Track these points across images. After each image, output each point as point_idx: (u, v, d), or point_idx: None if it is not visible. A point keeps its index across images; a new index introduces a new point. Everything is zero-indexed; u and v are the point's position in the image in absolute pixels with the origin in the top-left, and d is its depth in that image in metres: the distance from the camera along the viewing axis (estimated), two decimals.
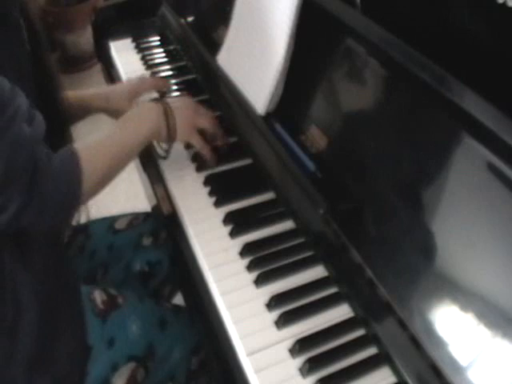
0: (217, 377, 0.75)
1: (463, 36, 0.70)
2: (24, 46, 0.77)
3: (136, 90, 1.05)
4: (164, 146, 0.90)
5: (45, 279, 0.78)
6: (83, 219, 0.96)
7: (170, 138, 0.87)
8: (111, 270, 1.05)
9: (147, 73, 1.23)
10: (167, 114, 0.85)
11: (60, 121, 0.83)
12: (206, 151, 0.92)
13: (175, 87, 1.17)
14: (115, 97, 1.02)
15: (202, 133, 0.92)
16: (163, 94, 1.12)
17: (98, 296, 0.87)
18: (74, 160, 0.71)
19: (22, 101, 0.67)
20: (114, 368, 0.82)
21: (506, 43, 0.64)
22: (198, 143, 0.91)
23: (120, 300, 0.88)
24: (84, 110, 1.01)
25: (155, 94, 1.12)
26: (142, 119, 0.84)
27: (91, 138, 0.78)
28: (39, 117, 0.70)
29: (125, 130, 0.82)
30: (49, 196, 0.68)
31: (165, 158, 0.92)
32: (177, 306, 0.97)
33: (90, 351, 0.81)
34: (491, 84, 0.61)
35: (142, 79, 1.10)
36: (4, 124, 0.64)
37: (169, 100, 0.89)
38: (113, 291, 0.90)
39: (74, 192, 0.70)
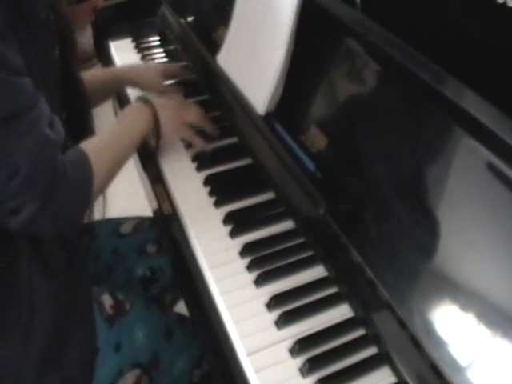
0: None
1: (463, 36, 0.70)
2: (53, 46, 0.77)
3: (164, 69, 1.14)
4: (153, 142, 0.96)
5: (59, 281, 0.78)
6: (86, 219, 0.98)
7: (157, 136, 0.93)
8: (114, 273, 1.05)
9: None
10: (155, 115, 0.90)
11: (84, 119, 0.89)
12: (196, 142, 0.98)
13: (175, 87, 1.17)
14: (146, 71, 1.12)
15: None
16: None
17: (106, 300, 0.87)
18: (85, 164, 0.73)
19: (45, 105, 0.68)
20: (120, 373, 0.82)
21: (506, 43, 0.64)
22: (188, 137, 0.98)
23: (127, 306, 0.88)
24: (116, 85, 1.11)
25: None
26: (135, 121, 0.90)
27: (91, 140, 0.80)
28: (59, 122, 0.71)
29: (122, 132, 0.87)
30: (64, 201, 0.69)
31: (156, 150, 0.98)
32: (181, 316, 0.97)
33: (98, 353, 0.82)
34: (491, 84, 0.61)
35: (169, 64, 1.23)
36: (29, 126, 0.64)
37: (156, 101, 0.93)
38: (120, 296, 0.90)
39: (86, 196, 0.72)
